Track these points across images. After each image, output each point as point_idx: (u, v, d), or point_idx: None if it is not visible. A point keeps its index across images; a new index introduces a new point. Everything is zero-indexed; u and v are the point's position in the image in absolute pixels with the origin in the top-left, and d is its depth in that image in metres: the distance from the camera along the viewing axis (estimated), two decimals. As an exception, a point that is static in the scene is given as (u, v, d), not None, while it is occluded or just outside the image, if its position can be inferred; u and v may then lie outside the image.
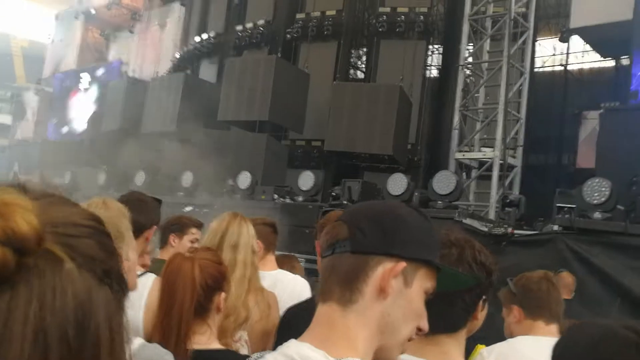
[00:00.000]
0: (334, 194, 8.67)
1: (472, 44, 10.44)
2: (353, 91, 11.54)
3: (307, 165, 11.63)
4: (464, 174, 9.96)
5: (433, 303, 1.47)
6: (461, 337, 1.54)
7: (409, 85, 11.79)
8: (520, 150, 9.93)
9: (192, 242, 3.31)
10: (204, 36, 15.66)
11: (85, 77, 21.53)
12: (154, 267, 3.02)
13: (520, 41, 9.95)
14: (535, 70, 12.81)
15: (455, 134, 9.82)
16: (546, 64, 13.80)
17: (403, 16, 12.23)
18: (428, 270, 1.06)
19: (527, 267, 2.82)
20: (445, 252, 1.51)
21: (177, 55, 17.49)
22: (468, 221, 6.67)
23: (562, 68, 13.35)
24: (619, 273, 5.72)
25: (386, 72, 12.47)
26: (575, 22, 11.71)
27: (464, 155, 9.79)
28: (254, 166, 10.46)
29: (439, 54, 13.28)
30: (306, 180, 8.92)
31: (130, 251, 1.67)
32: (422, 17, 12.12)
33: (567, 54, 13.25)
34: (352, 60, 13.81)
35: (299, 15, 13.48)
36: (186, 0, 18.32)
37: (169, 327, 1.80)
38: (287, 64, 12.60)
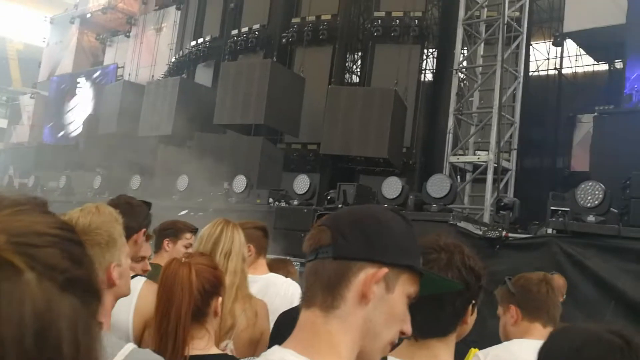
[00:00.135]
0: (329, 197, 8.68)
1: (466, 48, 10.48)
2: (348, 95, 11.57)
3: (302, 168, 11.65)
4: (458, 177, 9.98)
5: (423, 308, 1.49)
6: (451, 341, 1.55)
7: (404, 89, 11.83)
8: (514, 154, 9.96)
9: (186, 247, 3.31)
10: (200, 40, 15.68)
11: (81, 81, 21.51)
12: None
13: (514, 45, 9.99)
14: (530, 74, 12.87)
15: (449, 137, 9.85)
16: (540, 68, 13.85)
17: (398, 20, 12.28)
18: (410, 275, 1.06)
19: (521, 271, 2.82)
20: (435, 256, 1.53)
21: (173, 59, 17.49)
22: (462, 224, 6.68)
23: (556, 72, 13.41)
24: (612, 276, 5.73)
25: (381, 76, 12.52)
26: (568, 26, 11.79)
27: (458, 158, 9.82)
28: (250, 170, 10.46)
29: (433, 58, 13.33)
30: (301, 183, 8.92)
31: (123, 256, 1.67)
32: (416, 21, 12.18)
33: (561, 57, 13.32)
34: (347, 64, 13.85)
35: (294, 20, 13.52)
36: (182, 5, 18.35)
37: (166, 332, 1.80)
38: (282, 68, 12.63)
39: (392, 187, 7.86)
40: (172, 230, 3.36)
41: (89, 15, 23.19)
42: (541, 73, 13.83)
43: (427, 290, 1.12)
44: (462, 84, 10.46)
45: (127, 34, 21.86)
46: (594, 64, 13.57)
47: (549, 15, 13.36)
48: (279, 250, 5.18)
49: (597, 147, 9.58)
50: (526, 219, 7.82)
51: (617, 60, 12.45)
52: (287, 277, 3.11)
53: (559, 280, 5.37)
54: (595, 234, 5.99)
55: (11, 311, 0.48)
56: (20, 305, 0.49)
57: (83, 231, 1.55)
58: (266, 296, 2.64)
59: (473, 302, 1.54)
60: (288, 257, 4.43)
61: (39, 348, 0.49)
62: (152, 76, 18.19)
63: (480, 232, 6.45)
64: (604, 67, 13.33)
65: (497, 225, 6.84)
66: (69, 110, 21.39)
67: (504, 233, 6.32)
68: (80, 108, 20.79)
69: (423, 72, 13.09)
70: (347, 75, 13.84)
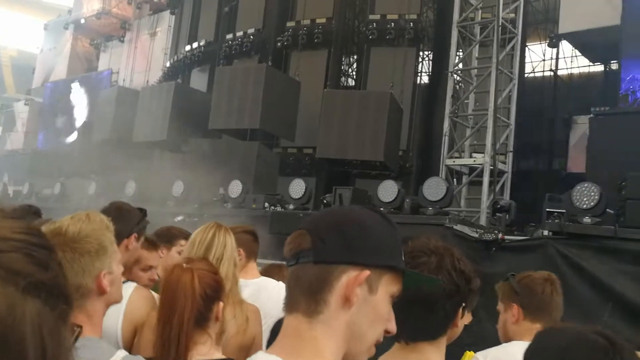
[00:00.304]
0: (325, 201, 8.67)
1: (461, 51, 10.49)
2: (344, 98, 11.57)
3: (298, 172, 11.63)
4: (454, 180, 9.97)
5: (413, 311, 1.48)
6: (442, 344, 1.56)
7: (400, 92, 11.83)
8: (510, 156, 9.96)
9: (180, 253, 3.30)
10: (194, 45, 15.69)
11: (75, 87, 21.49)
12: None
13: (508, 47, 9.99)
14: (525, 75, 12.89)
15: (445, 140, 9.84)
16: (536, 69, 13.89)
17: (393, 23, 12.28)
18: (393, 275, 1.06)
19: (518, 273, 2.81)
20: (425, 260, 1.53)
21: (168, 64, 17.50)
22: (459, 227, 6.66)
23: (552, 73, 13.44)
24: (609, 277, 5.71)
25: (377, 79, 12.52)
26: (564, 27, 11.82)
27: (454, 161, 9.81)
28: (245, 174, 10.44)
29: (429, 60, 13.35)
30: (297, 188, 8.90)
31: (114, 264, 1.66)
32: (411, 24, 12.18)
33: (557, 59, 13.35)
34: (342, 67, 13.86)
35: (289, 24, 13.52)
36: (176, 9, 18.35)
37: (168, 338, 1.80)
38: (277, 72, 12.63)
39: (388, 190, 7.85)
40: (166, 237, 3.35)
41: (82, 21, 23.20)
42: (537, 74, 13.87)
43: (409, 285, 1.11)
44: (457, 87, 10.46)
45: (122, 39, 21.87)
46: (589, 65, 13.62)
47: (544, 17, 13.41)
48: (274, 255, 5.16)
49: (593, 149, 9.59)
50: (523, 221, 7.81)
51: (612, 61, 12.48)
52: (282, 281, 3.09)
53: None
54: (591, 235, 5.97)
55: None
56: None
57: (73, 239, 1.56)
58: (258, 300, 2.63)
59: (463, 305, 1.54)
60: (284, 262, 4.39)
61: (1, 352, 0.49)
62: (147, 81, 18.21)
63: (477, 235, 6.43)
64: (599, 68, 13.37)
65: (493, 227, 6.82)
66: (64, 117, 21.35)
67: (500, 235, 6.30)
68: (74, 114, 20.76)
69: (419, 74, 13.11)
70: (342, 79, 13.85)
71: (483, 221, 8.38)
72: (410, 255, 1.53)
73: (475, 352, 2.55)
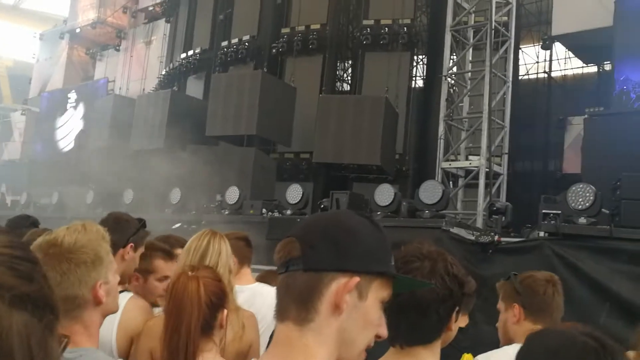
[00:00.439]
0: (322, 206, 8.67)
1: (455, 55, 10.53)
2: (339, 103, 11.62)
3: (296, 177, 11.66)
4: (450, 183, 10.00)
5: (407, 316, 1.50)
6: (436, 348, 1.56)
7: (395, 96, 11.88)
8: (505, 158, 9.99)
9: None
10: (190, 52, 15.71)
11: (72, 96, 21.49)
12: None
13: (502, 50, 10.03)
14: (520, 77, 12.94)
15: (441, 143, 9.87)
16: (530, 71, 13.94)
17: (387, 28, 12.34)
18: (383, 280, 1.06)
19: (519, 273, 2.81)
20: (418, 264, 1.54)
21: (164, 72, 17.51)
22: (455, 230, 6.67)
23: (546, 75, 13.49)
24: (606, 277, 5.73)
25: (372, 83, 12.57)
26: (556, 29, 11.87)
27: (450, 164, 9.84)
28: (243, 181, 10.45)
29: (423, 64, 13.40)
30: (294, 193, 8.91)
31: (110, 274, 1.67)
32: (405, 28, 12.23)
33: (550, 60, 13.40)
34: (337, 72, 13.91)
35: (284, 30, 13.57)
36: (171, 17, 18.38)
37: (177, 347, 1.81)
38: (273, 78, 12.67)
39: (384, 194, 7.86)
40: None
41: (78, 30, 23.20)
42: (531, 76, 13.91)
43: (401, 290, 1.12)
44: (451, 90, 10.50)
45: (117, 47, 21.88)
46: (583, 67, 13.68)
47: (537, 19, 13.47)
48: (271, 261, 5.16)
49: (588, 149, 9.62)
50: (519, 222, 7.83)
51: (605, 62, 12.53)
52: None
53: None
54: (587, 235, 6.00)
55: None
56: None
57: (69, 250, 1.56)
58: (253, 306, 2.64)
59: (457, 309, 1.55)
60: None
61: None
62: (143, 89, 18.22)
63: (473, 237, 6.45)
64: (592, 69, 13.43)
65: (490, 230, 6.84)
66: (61, 126, 21.34)
67: (496, 237, 6.32)
68: (71, 123, 20.76)
69: (413, 78, 13.15)
70: (338, 84, 13.89)
71: (479, 223, 8.40)
72: (403, 260, 1.55)
73: (473, 354, 2.57)
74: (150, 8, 20.85)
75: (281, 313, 1.05)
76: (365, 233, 1.05)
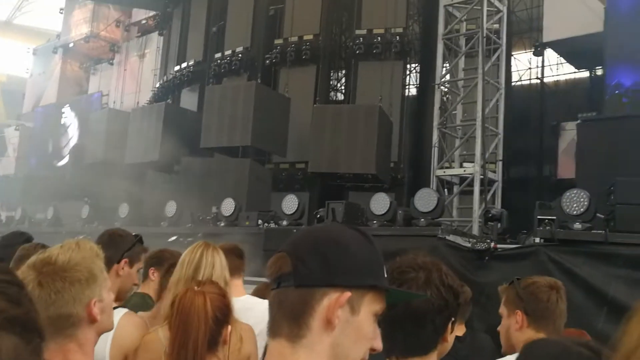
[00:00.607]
0: (318, 216, 8.67)
1: (447, 63, 10.58)
2: (334, 113, 11.64)
3: (291, 188, 11.66)
4: (446, 190, 10.02)
5: (403, 327, 1.50)
6: (432, 359, 1.56)
7: (389, 104, 11.92)
8: (500, 165, 10.02)
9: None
10: (183, 65, 15.73)
11: (66, 111, 21.47)
12: (132, 301, 3.00)
13: (494, 57, 10.09)
14: (512, 84, 13.00)
15: (435, 151, 9.91)
16: (522, 78, 14.01)
17: (379, 37, 12.38)
18: (375, 294, 1.06)
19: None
20: (413, 275, 1.54)
21: (157, 85, 17.52)
22: (451, 237, 6.69)
23: (538, 81, 13.55)
24: (602, 282, 5.73)
25: (365, 92, 12.61)
26: (548, 35, 11.95)
27: (444, 172, 9.86)
28: (238, 192, 10.45)
29: (416, 72, 13.46)
30: (289, 203, 8.91)
31: (104, 292, 1.67)
32: (398, 37, 12.28)
33: (542, 67, 13.46)
34: (331, 82, 13.96)
35: (277, 41, 13.61)
36: (164, 31, 18.42)
37: None
38: (267, 89, 12.69)
39: (380, 203, 7.88)
40: (157, 260, 3.34)
41: (71, 45, 23.19)
42: (523, 83, 13.98)
43: (395, 301, 1.12)
44: (445, 98, 10.54)
45: (111, 61, 21.89)
46: (575, 72, 13.75)
47: (528, 26, 13.55)
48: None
49: (581, 154, 9.65)
50: (515, 228, 7.84)
51: (597, 67, 12.60)
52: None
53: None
54: (582, 240, 6.02)
55: None
56: None
57: (62, 268, 1.55)
58: (242, 319, 2.63)
59: (452, 319, 1.56)
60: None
61: None
62: (137, 102, 18.21)
63: (469, 245, 6.46)
64: (584, 74, 13.50)
65: (486, 236, 6.85)
66: (55, 141, 21.31)
67: (492, 244, 6.33)
68: (66, 138, 20.73)
69: (406, 87, 13.21)
70: (331, 94, 13.94)
71: (475, 230, 8.41)
72: (398, 271, 1.55)
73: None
74: (143, 21, 20.90)
75: (273, 329, 1.05)
76: (356, 246, 1.05)
